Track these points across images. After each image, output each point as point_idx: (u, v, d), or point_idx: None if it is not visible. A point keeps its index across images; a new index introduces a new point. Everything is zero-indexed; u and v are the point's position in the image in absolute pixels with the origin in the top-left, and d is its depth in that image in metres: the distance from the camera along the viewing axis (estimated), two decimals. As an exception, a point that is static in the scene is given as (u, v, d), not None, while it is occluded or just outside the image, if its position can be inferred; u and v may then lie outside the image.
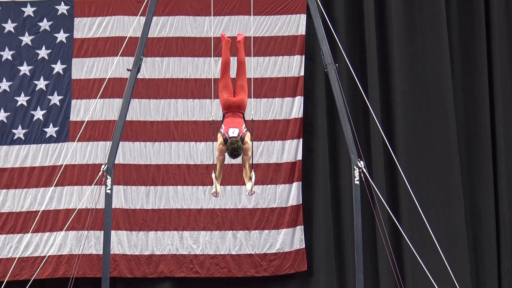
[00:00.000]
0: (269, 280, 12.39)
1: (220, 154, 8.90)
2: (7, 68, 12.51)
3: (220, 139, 8.88)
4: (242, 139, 8.81)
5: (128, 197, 12.33)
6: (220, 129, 8.91)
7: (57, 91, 12.49)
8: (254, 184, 9.10)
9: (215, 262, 12.27)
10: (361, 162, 9.23)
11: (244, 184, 11.30)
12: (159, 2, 11.16)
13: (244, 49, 9.30)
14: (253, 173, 9.02)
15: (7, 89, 12.48)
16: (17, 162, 12.33)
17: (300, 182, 12.40)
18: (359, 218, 9.22)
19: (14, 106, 12.45)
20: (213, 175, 8.99)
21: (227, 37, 9.26)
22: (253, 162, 11.84)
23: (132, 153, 12.41)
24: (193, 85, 12.56)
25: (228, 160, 9.01)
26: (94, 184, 9.62)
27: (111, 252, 11.38)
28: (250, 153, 8.97)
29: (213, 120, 9.43)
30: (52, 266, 12.10)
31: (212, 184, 9.06)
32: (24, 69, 12.51)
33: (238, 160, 9.03)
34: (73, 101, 12.48)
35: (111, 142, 9.44)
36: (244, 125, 8.92)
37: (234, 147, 8.69)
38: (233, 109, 8.97)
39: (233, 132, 8.80)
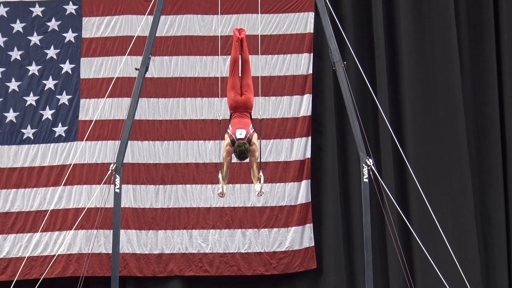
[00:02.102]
0: (278, 278, 12.38)
1: (227, 155, 8.91)
2: (16, 68, 12.53)
3: (227, 140, 8.89)
4: (250, 140, 8.81)
5: (137, 196, 12.34)
6: (228, 130, 8.92)
7: (66, 90, 12.51)
8: (263, 183, 9.11)
9: (224, 261, 12.27)
10: (370, 160, 9.22)
11: (252, 182, 11.31)
12: (167, 1, 11.17)
13: (249, 47, 9.29)
14: (261, 173, 9.03)
15: (16, 89, 12.51)
16: (26, 162, 12.36)
17: (309, 180, 12.39)
18: (368, 216, 9.20)
19: (23, 106, 12.48)
20: (219, 175, 9.02)
21: (239, 30, 9.23)
22: (262, 161, 11.91)
23: (141, 152, 12.43)
24: (202, 83, 12.57)
25: (236, 159, 9.02)
26: (103, 183, 9.65)
27: (121, 251, 11.41)
28: (257, 154, 8.98)
29: (220, 119, 9.44)
30: (62, 265, 12.13)
31: (220, 184, 9.09)
32: (33, 69, 12.53)
33: (246, 160, 9.03)
34: (82, 101, 12.50)
35: (120, 141, 9.46)
36: (251, 126, 8.93)
37: (241, 150, 8.71)
38: (240, 109, 8.96)
39: (240, 134, 8.80)
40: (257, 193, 9.09)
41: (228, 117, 9.22)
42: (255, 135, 8.94)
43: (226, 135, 8.94)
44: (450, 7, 12.66)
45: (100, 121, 12.34)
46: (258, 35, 11.80)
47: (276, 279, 12.38)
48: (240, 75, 9.13)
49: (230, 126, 8.94)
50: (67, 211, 12.25)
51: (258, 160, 9.13)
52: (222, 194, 9.04)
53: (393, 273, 12.19)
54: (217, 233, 12.31)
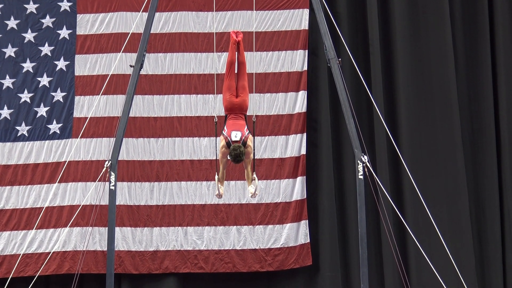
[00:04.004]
0: (274, 275, 12.39)
1: (223, 156, 8.97)
2: (10, 65, 12.51)
3: (222, 141, 8.94)
4: (245, 142, 8.85)
5: (132, 193, 12.33)
6: (223, 131, 8.96)
7: (61, 87, 12.49)
8: (258, 180, 9.14)
9: (219, 257, 12.27)
10: (365, 157, 9.22)
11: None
12: (161, -2, 11.17)
13: (244, 46, 9.31)
14: (255, 175, 9.07)
15: (11, 86, 12.49)
16: (21, 159, 12.33)
17: (304, 177, 12.39)
18: (363, 212, 9.21)
19: (18, 103, 12.46)
20: (216, 177, 9.05)
21: (236, 33, 9.27)
22: (257, 157, 11.93)
23: (136, 149, 12.41)
24: (196, 80, 12.56)
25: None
26: (98, 181, 9.64)
27: (116, 249, 11.41)
28: (252, 156, 9.04)
29: (216, 120, 9.45)
30: (57, 262, 12.11)
31: (216, 185, 9.13)
32: (27, 66, 12.51)
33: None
34: (77, 98, 12.48)
35: (115, 138, 9.45)
36: (246, 128, 8.97)
37: (236, 153, 8.75)
38: (235, 111, 9.01)
39: (235, 136, 8.84)
40: (250, 195, 9.14)
41: (222, 114, 9.24)
42: (250, 136, 8.98)
43: (221, 137, 8.98)
44: (445, 4, 12.67)
45: (95, 118, 12.32)
46: (252, 32, 11.79)
47: (271, 275, 12.38)
48: (236, 77, 9.16)
49: (225, 127, 8.98)
50: (62, 208, 12.23)
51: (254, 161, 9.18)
52: (219, 196, 9.10)
53: (388, 269, 12.20)
54: (212, 230, 12.31)
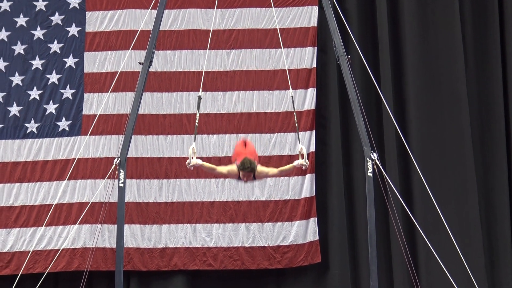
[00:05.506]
0: (282, 272, 12.39)
1: (227, 173, 8.97)
2: (20, 62, 12.53)
3: (233, 166, 8.93)
4: (255, 165, 8.87)
5: (141, 191, 12.34)
6: (233, 162, 9.01)
7: (70, 85, 12.51)
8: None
9: (228, 255, 12.27)
10: (374, 154, 9.21)
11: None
12: (170, -5, 11.17)
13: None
14: (302, 146, 9.16)
15: (20, 83, 12.51)
16: (30, 156, 12.36)
17: (313, 174, 12.37)
18: (373, 210, 9.20)
19: (27, 100, 12.48)
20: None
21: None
22: (266, 154, 11.99)
23: (145, 146, 12.42)
24: (205, 77, 12.54)
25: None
26: (107, 178, 9.65)
27: (125, 246, 11.41)
28: (270, 171, 9.08)
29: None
30: (66, 259, 12.13)
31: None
32: (36, 63, 12.53)
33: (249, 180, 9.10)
34: (86, 95, 12.49)
35: (124, 135, 9.46)
36: (257, 160, 8.99)
37: (248, 160, 8.74)
38: (246, 155, 9.00)
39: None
40: (303, 167, 9.13)
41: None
42: (259, 165, 8.98)
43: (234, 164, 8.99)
44: (454, 0, 12.63)
45: (104, 115, 12.33)
46: (261, 29, 11.79)
47: (280, 273, 12.38)
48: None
49: (236, 161, 8.98)
50: (71, 205, 12.25)
51: (273, 170, 9.19)
52: (189, 165, 8.80)
53: (397, 267, 12.18)
54: (221, 227, 12.31)
